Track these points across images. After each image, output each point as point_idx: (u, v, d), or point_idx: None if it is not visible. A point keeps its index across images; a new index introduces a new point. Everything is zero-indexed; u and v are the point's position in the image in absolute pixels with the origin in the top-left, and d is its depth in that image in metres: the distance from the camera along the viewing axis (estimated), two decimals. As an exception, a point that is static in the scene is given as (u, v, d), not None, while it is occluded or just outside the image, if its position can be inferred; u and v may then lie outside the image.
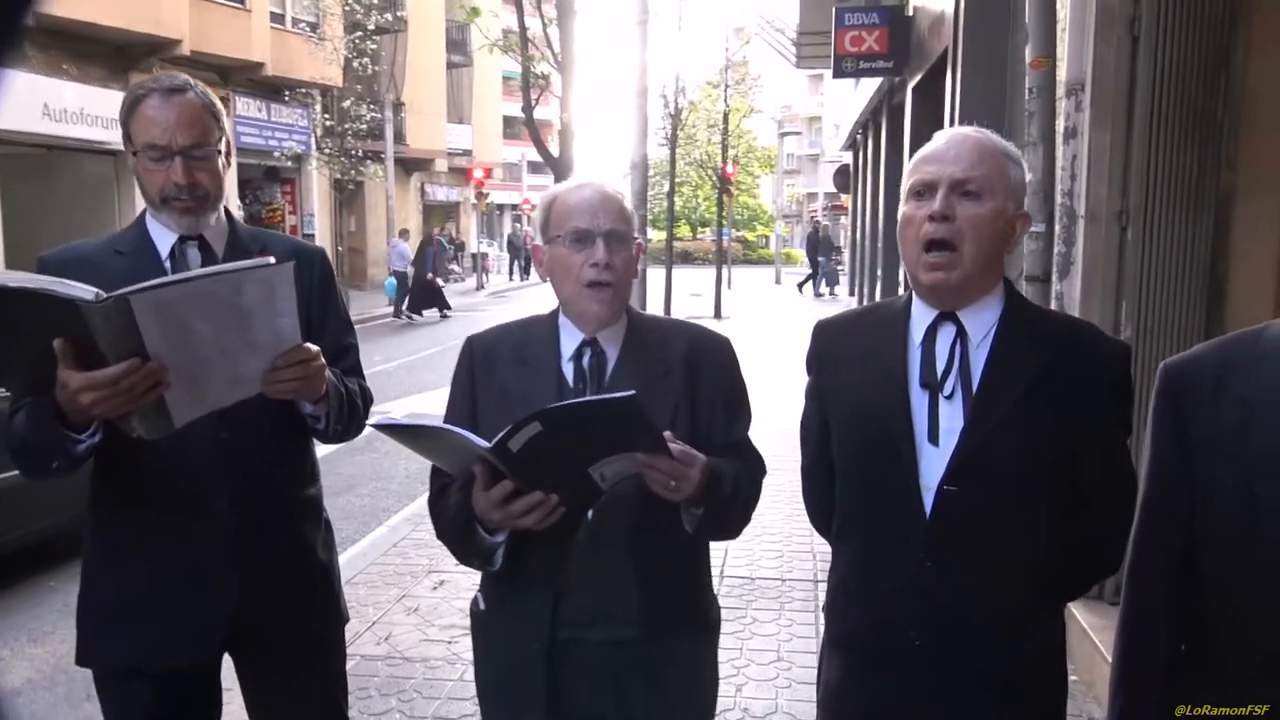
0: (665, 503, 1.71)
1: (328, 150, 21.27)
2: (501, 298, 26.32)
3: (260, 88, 19.35)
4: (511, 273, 34.53)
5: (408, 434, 1.72)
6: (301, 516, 2.17)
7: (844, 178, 27.02)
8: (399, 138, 24.15)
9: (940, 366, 1.70)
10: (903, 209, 1.72)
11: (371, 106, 21.86)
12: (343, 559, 2.36)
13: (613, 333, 1.89)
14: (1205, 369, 1.51)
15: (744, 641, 4.28)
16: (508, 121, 39.30)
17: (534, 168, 38.25)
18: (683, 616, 1.89)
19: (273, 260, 1.74)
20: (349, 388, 2.11)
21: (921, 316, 1.74)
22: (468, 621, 2.05)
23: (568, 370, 1.87)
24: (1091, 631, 3.68)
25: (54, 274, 1.72)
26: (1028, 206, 1.76)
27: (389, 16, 22.25)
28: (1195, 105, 3.75)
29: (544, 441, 1.57)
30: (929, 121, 9.48)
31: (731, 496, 1.79)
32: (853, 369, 1.81)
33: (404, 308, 20.49)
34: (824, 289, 27.84)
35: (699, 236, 47.39)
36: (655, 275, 15.84)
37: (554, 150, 12.46)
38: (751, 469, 1.90)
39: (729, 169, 25.59)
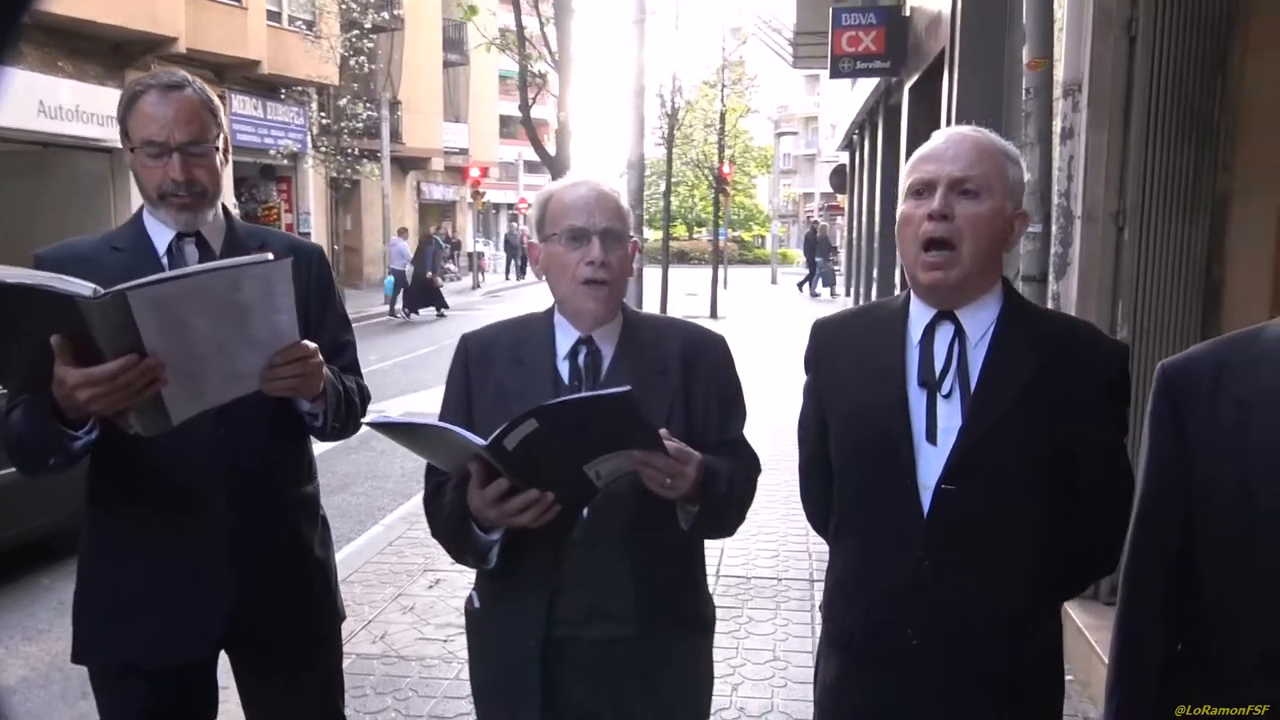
0: (661, 501, 1.71)
1: (324, 149, 21.26)
2: (497, 297, 26.30)
3: (256, 86, 19.32)
4: (508, 272, 34.52)
5: (403, 432, 1.71)
6: (299, 514, 2.16)
7: (840, 178, 27.04)
8: (395, 136, 24.13)
9: (938, 365, 1.70)
10: (901, 208, 1.72)
11: (368, 105, 21.85)
12: (338, 557, 2.36)
13: (608, 331, 1.89)
14: (1202, 369, 1.51)
15: (740, 641, 4.28)
16: (504, 120, 39.28)
17: (530, 167, 38.18)
18: (678, 614, 1.89)
19: (271, 256, 1.74)
20: (346, 385, 2.11)
21: (919, 315, 1.74)
22: (463, 620, 2.05)
23: (563, 368, 1.87)
24: (1087, 631, 3.68)
25: (51, 271, 1.72)
26: (1024, 207, 1.76)
27: (386, 15, 22.24)
28: (1192, 107, 3.75)
29: (540, 439, 1.57)
30: (926, 122, 9.49)
31: (727, 494, 1.80)
32: (851, 368, 1.81)
33: (400, 306, 20.48)
34: (820, 289, 27.86)
35: (695, 236, 47.41)
36: (652, 275, 15.84)
37: (551, 149, 12.46)
38: (746, 467, 1.90)
39: (725, 169, 25.60)
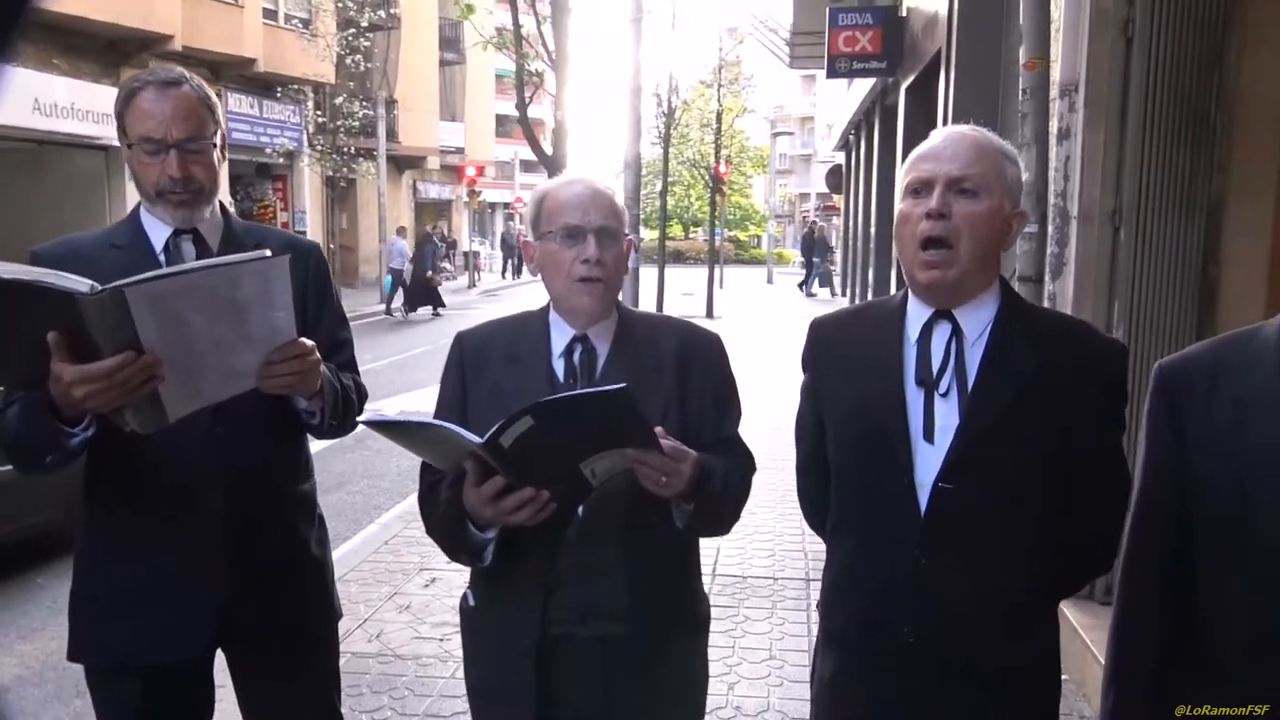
0: (656, 499, 1.71)
1: (320, 147, 21.21)
2: (494, 296, 26.29)
3: (252, 84, 19.28)
4: (505, 271, 34.49)
5: (398, 430, 1.71)
6: (295, 512, 2.16)
7: (836, 178, 27.09)
8: (391, 135, 24.10)
9: (936, 364, 1.70)
10: (899, 206, 1.73)
11: (364, 103, 21.80)
12: (334, 556, 2.35)
13: (603, 329, 1.89)
14: (1199, 369, 1.52)
15: (736, 640, 4.29)
16: (500, 120, 39.29)
17: (526, 166, 38.16)
18: (673, 613, 1.89)
19: (269, 253, 1.74)
20: (344, 383, 2.10)
21: (917, 314, 1.75)
22: (459, 619, 2.05)
23: (558, 366, 1.87)
24: (1082, 631, 3.69)
25: (48, 268, 1.71)
26: (1021, 206, 1.76)
27: (382, 14, 22.20)
28: (1188, 107, 3.76)
29: (536, 436, 1.57)
30: (922, 122, 9.51)
31: (722, 493, 1.80)
32: (848, 367, 1.81)
33: (397, 305, 20.45)
34: (816, 289, 27.87)
35: (691, 236, 47.42)
36: (648, 274, 15.83)
37: (548, 148, 12.45)
38: (741, 465, 1.90)
39: (722, 168, 25.61)
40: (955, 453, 1.65)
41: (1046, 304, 4.11)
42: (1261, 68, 3.80)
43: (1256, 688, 1.41)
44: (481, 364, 1.90)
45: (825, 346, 1.88)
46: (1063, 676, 1.81)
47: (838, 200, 30.92)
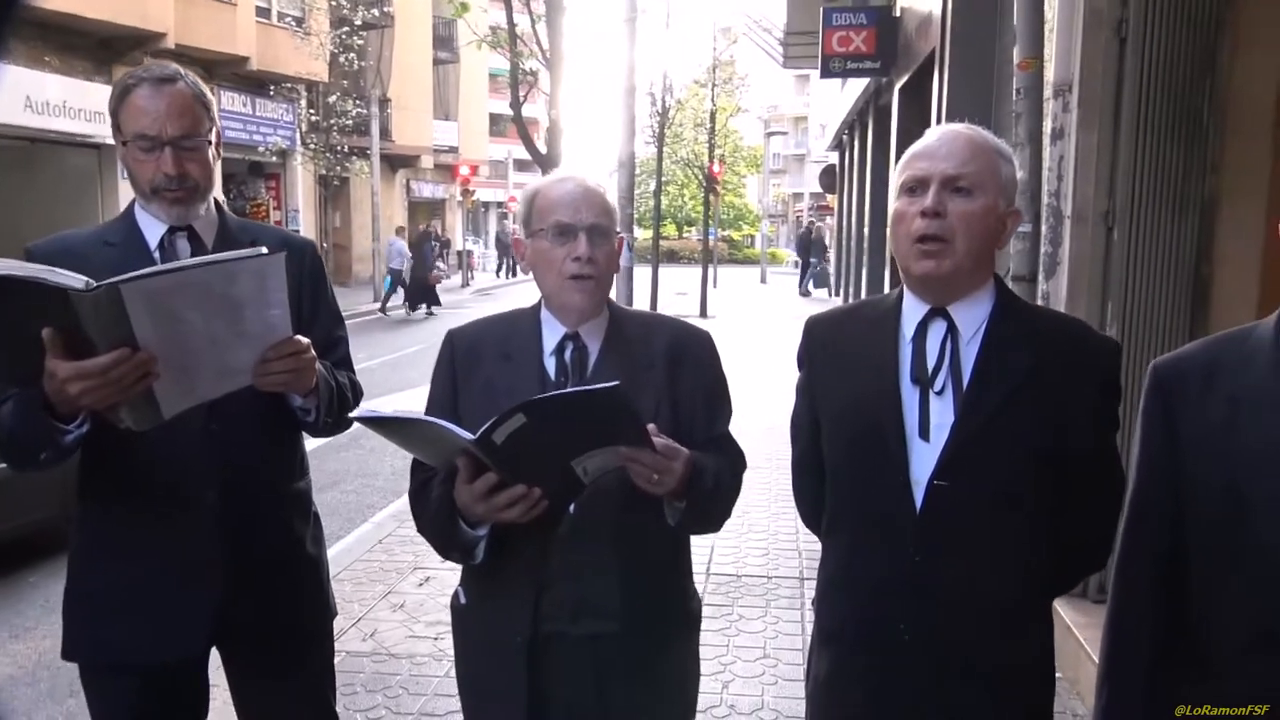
0: (648, 497, 1.71)
1: (313, 146, 21.18)
2: (487, 295, 26.27)
3: (245, 82, 19.23)
4: (500, 270, 34.44)
5: (390, 426, 1.71)
6: (290, 510, 2.15)
7: (830, 178, 27.09)
8: (385, 134, 24.04)
9: (931, 362, 1.70)
10: (895, 205, 1.73)
11: (357, 102, 21.77)
12: (328, 555, 2.35)
13: (595, 326, 1.89)
14: (1194, 368, 1.52)
15: (730, 639, 4.29)
16: (494, 119, 39.21)
17: (520, 165, 38.13)
18: (665, 610, 1.89)
19: (265, 251, 1.73)
20: (339, 381, 2.10)
21: (913, 312, 1.75)
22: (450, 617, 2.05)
23: (550, 364, 1.87)
24: (1075, 629, 3.70)
25: (42, 264, 1.70)
26: (1016, 205, 1.77)
27: (375, 12, 22.17)
28: (1181, 107, 3.78)
29: (528, 434, 1.57)
30: (916, 123, 9.52)
31: (713, 490, 1.80)
32: (843, 364, 1.81)
33: (393, 305, 20.43)
34: (811, 289, 27.88)
35: (685, 235, 47.39)
36: (641, 274, 15.84)
37: (542, 147, 12.45)
38: (733, 463, 1.91)
39: (716, 168, 25.61)
40: (950, 450, 1.65)
41: (1040, 303, 4.12)
42: (1254, 69, 3.82)
43: (1256, 688, 1.41)
44: (473, 362, 1.90)
45: (821, 344, 1.89)
46: (1056, 675, 1.82)
47: (831, 200, 30.91)
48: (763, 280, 32.64)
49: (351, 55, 20.58)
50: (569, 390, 1.77)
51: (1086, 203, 3.97)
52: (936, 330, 1.72)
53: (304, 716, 2.23)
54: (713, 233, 27.40)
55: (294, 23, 20.39)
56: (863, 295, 16.46)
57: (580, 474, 1.66)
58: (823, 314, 1.97)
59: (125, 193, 2.05)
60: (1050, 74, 4.17)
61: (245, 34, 18.28)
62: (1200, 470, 1.48)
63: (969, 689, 1.68)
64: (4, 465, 1.94)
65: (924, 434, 1.68)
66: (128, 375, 1.62)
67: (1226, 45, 3.78)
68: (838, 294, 24.06)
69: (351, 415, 1.90)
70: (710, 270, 22.66)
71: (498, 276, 33.63)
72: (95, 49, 14.89)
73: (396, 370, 12.37)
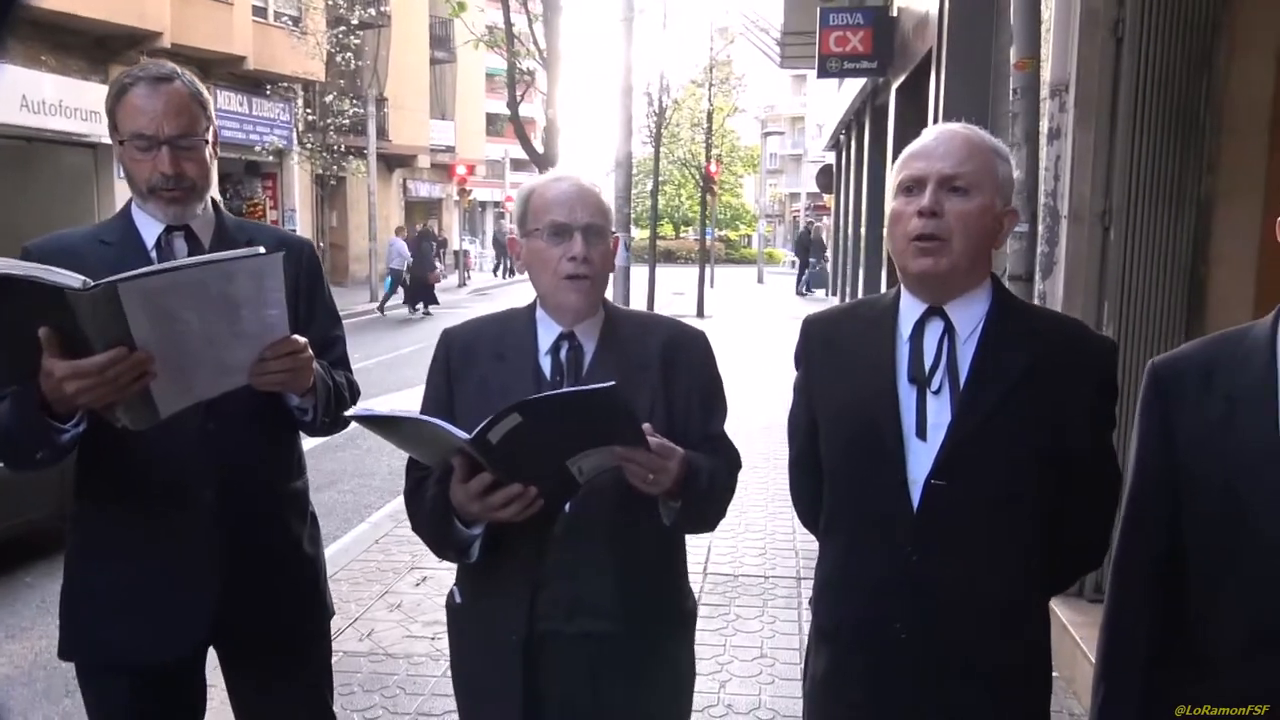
0: (643, 496, 1.71)
1: (309, 145, 21.17)
2: (484, 295, 26.25)
3: (242, 82, 19.21)
4: (497, 270, 34.42)
5: (386, 425, 1.71)
6: (288, 510, 2.15)
7: (827, 178, 27.09)
8: (381, 133, 24.03)
9: (928, 361, 1.70)
10: (892, 204, 1.73)
11: (354, 101, 21.76)
12: (325, 555, 2.35)
13: (590, 326, 1.89)
14: (1192, 368, 1.53)
15: (728, 638, 4.29)
16: (490, 118, 39.22)
17: (517, 165, 38.16)
18: (660, 609, 1.90)
19: (262, 250, 1.73)
20: (336, 380, 2.10)
21: (910, 311, 1.75)
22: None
23: (545, 363, 1.88)
24: (1072, 628, 3.71)
25: (39, 263, 1.70)
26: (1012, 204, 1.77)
27: (372, 11, 22.15)
28: (1178, 108, 3.78)
29: (524, 433, 1.57)
30: (912, 123, 9.53)
31: (708, 490, 1.80)
32: (841, 364, 1.81)
33: (391, 305, 20.43)
34: (805, 289, 27.88)
35: (682, 235, 47.40)
36: (639, 274, 15.85)
37: (539, 147, 12.46)
38: (728, 463, 1.91)
39: (712, 168, 25.62)
40: (947, 450, 1.65)
41: (1037, 303, 4.12)
42: (1250, 71, 3.82)
43: (1256, 687, 1.41)
44: (468, 361, 1.91)
45: (818, 344, 1.89)
46: (1053, 674, 1.82)
47: (828, 200, 30.92)
48: (759, 280, 32.65)
49: (348, 55, 20.58)
50: (565, 390, 1.78)
51: (1083, 202, 3.97)
52: (934, 329, 1.72)
53: (301, 716, 2.22)
54: (709, 233, 27.38)
55: (290, 22, 20.36)
56: (860, 295, 16.47)
57: (575, 473, 1.66)
58: (820, 313, 1.97)
59: (121, 192, 2.05)
60: (1047, 74, 4.18)
61: (242, 33, 18.26)
62: (1198, 469, 1.48)
63: (966, 688, 1.68)
64: (1, 465, 1.93)
65: (921, 433, 1.68)
66: (124, 374, 1.62)
67: (1223, 47, 3.79)
68: (835, 294, 24.07)
69: (347, 414, 1.90)
70: (707, 270, 22.67)
71: (495, 276, 33.60)
72: (91, 48, 14.87)
73: (393, 370, 12.36)
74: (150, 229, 2.00)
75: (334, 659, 2.40)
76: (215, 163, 2.07)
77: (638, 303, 15.13)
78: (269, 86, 19.79)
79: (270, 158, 20.32)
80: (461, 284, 28.74)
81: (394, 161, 28.15)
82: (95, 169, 14.97)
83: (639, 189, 21.64)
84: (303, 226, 22.19)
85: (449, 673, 2.05)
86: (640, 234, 22.02)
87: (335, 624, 2.39)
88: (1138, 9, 3.78)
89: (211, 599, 2.00)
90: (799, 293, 27.39)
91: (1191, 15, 3.75)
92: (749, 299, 25.76)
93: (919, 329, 1.73)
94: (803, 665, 1.96)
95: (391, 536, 5.65)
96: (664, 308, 18.47)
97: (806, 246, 28.79)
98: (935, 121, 8.10)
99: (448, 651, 2.06)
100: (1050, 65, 4.14)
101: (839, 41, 12.91)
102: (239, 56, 18.19)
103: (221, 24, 17.69)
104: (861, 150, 18.18)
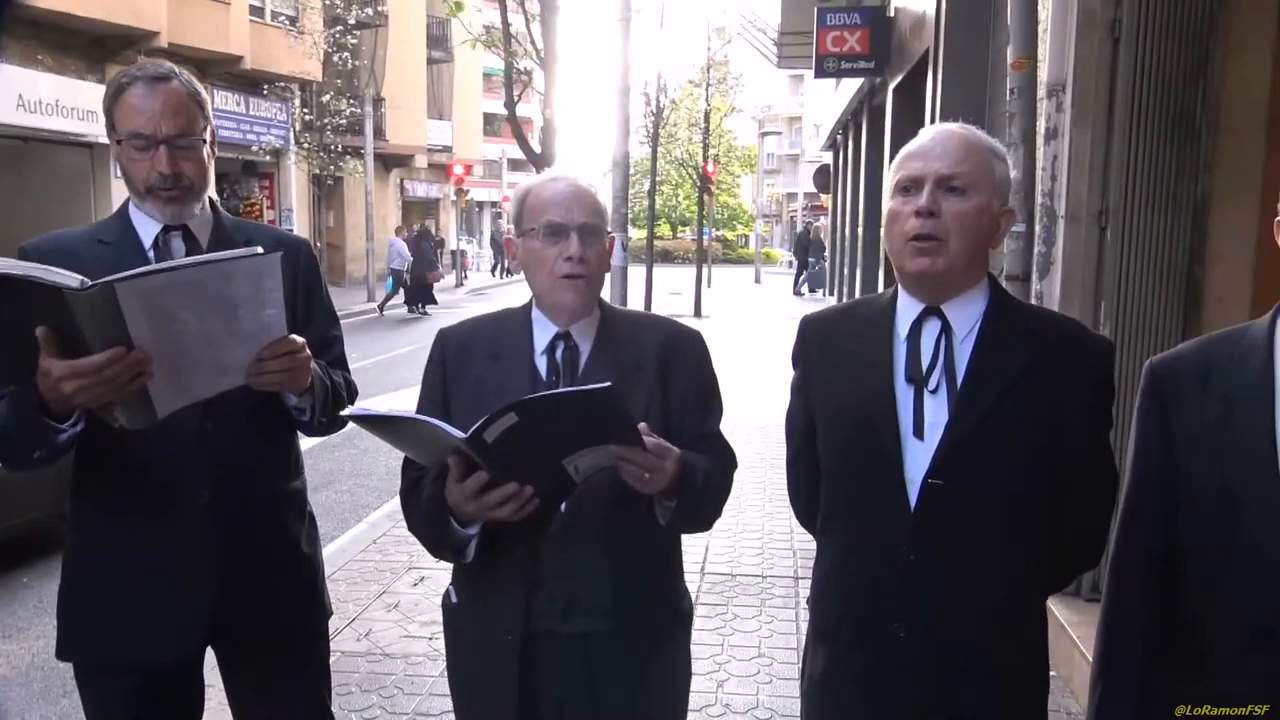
0: (638, 495, 1.72)
1: (306, 145, 21.15)
2: (481, 295, 26.24)
3: (238, 81, 19.20)
4: (495, 270, 34.42)
5: (383, 424, 1.71)
6: (285, 510, 2.15)
7: (824, 178, 27.09)
8: (379, 133, 24.01)
9: (925, 361, 1.71)
10: (889, 204, 1.73)
11: (351, 101, 21.74)
12: (323, 555, 2.35)
13: (586, 325, 1.89)
14: (1189, 368, 1.53)
15: (725, 638, 4.29)
16: (488, 118, 39.24)
17: (514, 165, 38.14)
18: (656, 608, 1.90)
19: (260, 250, 1.73)
20: (334, 380, 2.10)
21: (907, 311, 1.75)
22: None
23: (541, 363, 1.88)
24: (1069, 627, 3.71)
25: (36, 263, 1.70)
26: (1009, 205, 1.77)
27: (369, 11, 22.14)
28: (1175, 108, 3.79)
29: (520, 433, 1.57)
30: (910, 122, 9.53)
31: (704, 489, 1.80)
32: (838, 363, 1.81)
33: (392, 304, 20.42)
34: (803, 289, 27.89)
35: (679, 235, 47.42)
36: (636, 274, 15.84)
37: (536, 147, 12.46)
38: (724, 462, 1.91)
39: (710, 168, 25.63)
40: (945, 449, 1.66)
41: (1034, 303, 4.13)
42: (1246, 73, 3.83)
43: (1255, 687, 1.42)
44: (464, 361, 1.91)
45: (815, 343, 1.89)
46: (1050, 673, 1.82)
47: (825, 200, 30.94)
48: (757, 280, 32.65)
49: (345, 54, 20.56)
50: (561, 390, 1.78)
51: (1080, 202, 3.98)
52: (931, 329, 1.72)
53: (300, 716, 2.22)
54: (707, 233, 27.39)
55: (288, 22, 20.35)
56: (857, 295, 16.48)
57: (572, 473, 1.66)
58: (818, 313, 1.97)
59: (118, 191, 2.05)
60: (1044, 74, 4.19)
61: (239, 33, 18.25)
62: (1195, 469, 1.49)
63: (964, 687, 1.68)
64: (-2, 464, 1.93)
65: (918, 433, 1.69)
66: (122, 374, 1.61)
67: (1219, 48, 3.79)
68: (832, 294, 24.08)
69: (344, 413, 1.90)
70: (705, 270, 22.67)
71: (492, 276, 33.59)
72: (88, 47, 14.85)
73: (390, 370, 12.35)
74: (148, 229, 2.00)
75: (332, 659, 2.40)
76: (213, 162, 2.07)
77: (635, 303, 15.14)
78: (266, 86, 19.78)
79: (267, 157, 20.31)
80: (459, 284, 28.73)
81: (391, 161, 28.14)
82: (92, 169, 14.95)
83: (636, 189, 21.65)
84: (300, 226, 22.18)
85: (446, 672, 2.05)
86: (637, 234, 22.04)
87: (333, 624, 2.39)
88: (1134, 9, 3.79)
89: (209, 599, 2.00)
90: (796, 293, 27.39)
91: (1188, 16, 3.76)
92: (746, 299, 25.77)
93: (916, 329, 1.73)
94: (800, 664, 1.97)
95: (389, 536, 5.65)
96: (661, 308, 18.49)
97: (806, 247, 28.78)
98: (932, 121, 8.11)
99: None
100: (1047, 65, 4.15)
101: (836, 41, 12.92)
102: (236, 56, 18.18)
103: (218, 24, 17.68)
104: (859, 150, 18.19)
